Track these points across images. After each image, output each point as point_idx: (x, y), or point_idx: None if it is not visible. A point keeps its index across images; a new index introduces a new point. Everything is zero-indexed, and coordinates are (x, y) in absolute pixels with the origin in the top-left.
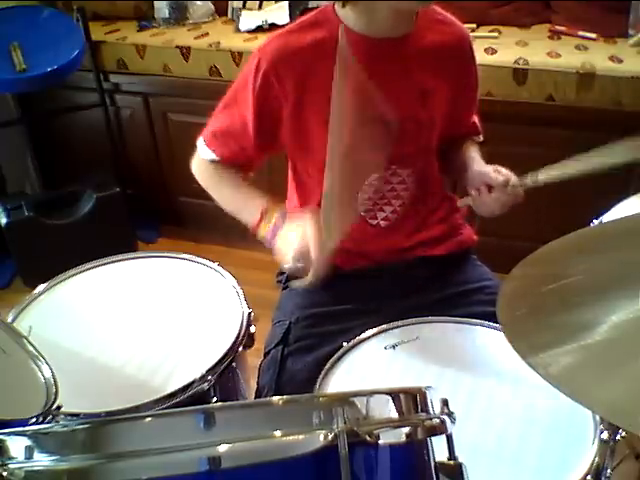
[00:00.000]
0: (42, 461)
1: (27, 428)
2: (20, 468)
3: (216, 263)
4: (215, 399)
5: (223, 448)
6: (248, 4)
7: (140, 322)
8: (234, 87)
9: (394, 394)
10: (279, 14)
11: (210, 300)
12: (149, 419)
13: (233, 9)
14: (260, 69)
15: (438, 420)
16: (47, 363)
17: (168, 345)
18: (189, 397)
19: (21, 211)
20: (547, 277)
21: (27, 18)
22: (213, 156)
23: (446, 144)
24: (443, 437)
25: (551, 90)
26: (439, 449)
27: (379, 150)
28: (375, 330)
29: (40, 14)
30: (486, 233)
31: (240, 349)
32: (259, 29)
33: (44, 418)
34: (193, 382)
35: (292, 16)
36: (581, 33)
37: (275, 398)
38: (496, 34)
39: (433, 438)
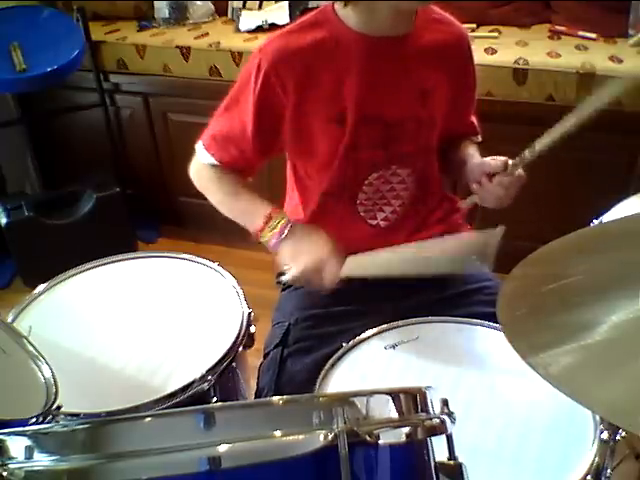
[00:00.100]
0: (42, 461)
1: (27, 428)
2: (20, 468)
3: (216, 263)
4: (215, 399)
5: (223, 448)
6: (248, 4)
7: (140, 322)
8: (235, 88)
9: (394, 394)
10: (279, 14)
11: (210, 300)
12: (149, 419)
13: (233, 9)
14: (261, 69)
15: (438, 420)
16: (47, 363)
17: (168, 345)
18: (189, 397)
19: (21, 211)
20: (547, 277)
21: (27, 18)
22: (212, 160)
23: (445, 144)
24: (443, 437)
25: (551, 90)
26: (439, 449)
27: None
28: (375, 330)
29: (40, 14)
30: None
31: (240, 349)
32: (259, 29)
33: (44, 418)
34: (193, 382)
35: (292, 16)
36: (581, 33)
37: (275, 398)
38: (496, 34)
39: (433, 438)
